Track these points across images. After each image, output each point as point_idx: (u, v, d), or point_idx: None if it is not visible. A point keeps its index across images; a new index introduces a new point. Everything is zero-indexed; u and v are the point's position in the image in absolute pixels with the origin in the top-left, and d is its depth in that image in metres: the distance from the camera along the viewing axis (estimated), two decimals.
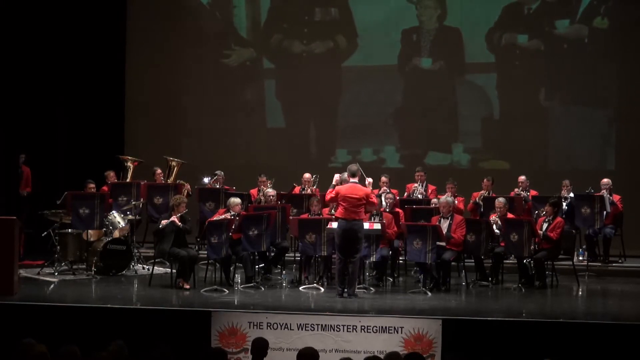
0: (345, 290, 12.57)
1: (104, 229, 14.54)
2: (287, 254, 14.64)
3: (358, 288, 12.84)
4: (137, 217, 15.33)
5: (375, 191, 14.67)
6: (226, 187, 15.75)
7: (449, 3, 17.77)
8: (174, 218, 13.31)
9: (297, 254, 14.32)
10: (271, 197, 14.60)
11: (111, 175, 15.95)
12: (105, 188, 15.60)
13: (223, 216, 13.43)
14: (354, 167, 12.89)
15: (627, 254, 15.61)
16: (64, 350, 8.00)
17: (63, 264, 14.34)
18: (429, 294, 13.03)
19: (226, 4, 18.35)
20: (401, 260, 14.46)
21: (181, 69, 18.27)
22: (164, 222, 13.37)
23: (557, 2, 17.51)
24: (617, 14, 17.33)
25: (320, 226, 13.25)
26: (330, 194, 12.92)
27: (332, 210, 13.51)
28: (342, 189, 12.75)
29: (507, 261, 14.14)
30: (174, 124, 18.21)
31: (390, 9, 17.92)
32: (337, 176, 13.40)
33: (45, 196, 15.93)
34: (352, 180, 12.78)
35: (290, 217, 14.12)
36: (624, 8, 17.31)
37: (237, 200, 13.70)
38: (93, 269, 14.08)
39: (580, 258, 15.30)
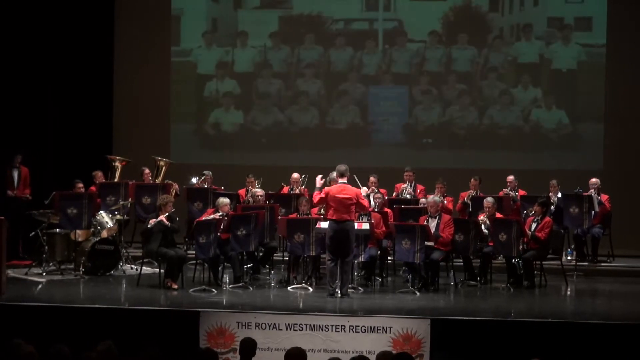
0: (337, 290, 12.55)
1: (92, 229, 14.51)
2: (275, 254, 14.64)
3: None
4: (125, 217, 15.31)
5: (364, 190, 14.70)
6: (214, 187, 15.74)
7: None
8: (162, 217, 13.28)
9: (286, 254, 14.30)
10: (259, 197, 14.59)
11: (99, 175, 15.91)
12: (93, 188, 15.57)
13: (212, 216, 13.41)
14: (342, 167, 12.85)
15: (616, 253, 15.62)
16: (52, 351, 7.98)
17: (51, 264, 14.32)
18: (418, 293, 13.03)
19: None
20: (390, 260, 14.43)
21: (169, 69, 18.22)
22: (151, 221, 13.35)
23: None
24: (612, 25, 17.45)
25: (308, 226, 13.23)
26: (318, 195, 12.90)
27: (322, 210, 13.50)
28: (332, 189, 12.73)
29: (496, 261, 14.16)
30: (162, 124, 18.15)
31: None
32: (319, 179, 13.36)
33: (33, 196, 15.87)
34: (340, 180, 12.77)
35: (279, 217, 14.11)
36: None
37: (226, 200, 13.68)
38: (81, 269, 14.07)
39: (569, 258, 15.31)
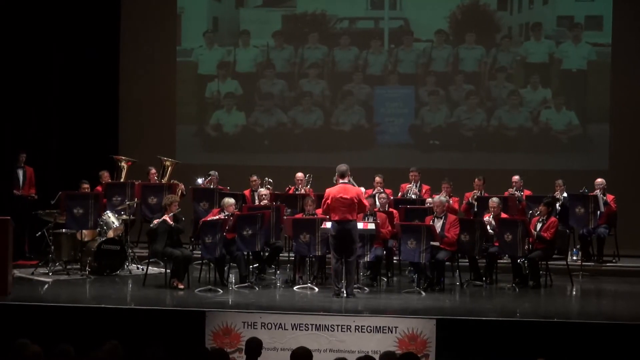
0: (343, 290, 12.56)
1: (98, 229, 14.53)
2: (281, 254, 14.64)
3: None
4: (131, 217, 15.32)
5: (369, 191, 14.69)
6: (220, 187, 15.75)
7: None
8: (165, 217, 13.30)
9: (291, 254, 14.30)
10: (263, 196, 14.60)
11: (105, 175, 15.95)
12: (99, 188, 15.59)
13: (217, 216, 13.42)
14: (342, 167, 12.85)
15: (621, 253, 15.60)
16: (58, 350, 7.99)
17: (57, 264, 14.34)
18: (423, 293, 13.04)
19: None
20: (395, 260, 14.45)
21: (174, 69, 18.21)
22: (155, 221, 13.38)
23: None
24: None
25: (314, 226, 13.24)
26: (323, 204, 12.92)
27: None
28: (333, 191, 12.73)
29: (501, 261, 14.16)
30: (167, 124, 18.15)
31: None
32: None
33: (39, 196, 15.89)
34: (341, 181, 12.77)
35: (285, 217, 14.12)
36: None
37: (231, 200, 13.69)
38: (87, 269, 14.09)
39: (574, 258, 15.29)
